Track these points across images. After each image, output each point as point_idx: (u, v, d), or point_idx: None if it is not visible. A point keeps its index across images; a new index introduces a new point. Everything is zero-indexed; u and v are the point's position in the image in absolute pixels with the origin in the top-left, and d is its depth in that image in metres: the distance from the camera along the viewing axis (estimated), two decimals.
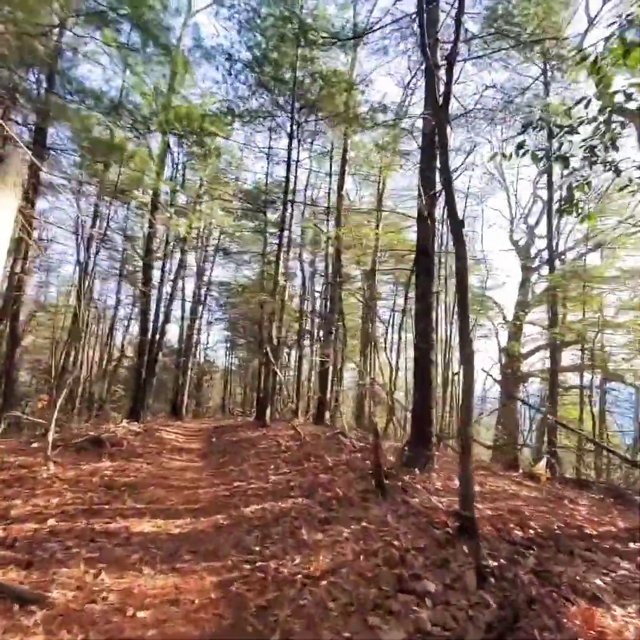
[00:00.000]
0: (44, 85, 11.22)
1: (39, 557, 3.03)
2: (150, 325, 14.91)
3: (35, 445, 7.30)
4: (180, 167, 15.97)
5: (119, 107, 11.93)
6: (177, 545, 3.63)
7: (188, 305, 22.14)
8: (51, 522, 3.76)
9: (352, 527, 3.91)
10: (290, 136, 12.05)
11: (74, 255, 17.66)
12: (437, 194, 6.55)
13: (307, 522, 4.07)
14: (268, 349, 10.00)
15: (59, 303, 22.26)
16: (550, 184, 13.27)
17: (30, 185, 11.26)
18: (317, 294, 21.95)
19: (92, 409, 18.54)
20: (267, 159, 15.41)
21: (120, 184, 14.32)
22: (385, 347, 22.12)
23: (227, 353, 29.53)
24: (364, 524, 3.96)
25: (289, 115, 12.33)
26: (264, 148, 14.35)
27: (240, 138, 17.72)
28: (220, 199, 15.29)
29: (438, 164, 6.85)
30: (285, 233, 12.07)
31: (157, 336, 16.11)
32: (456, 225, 3.47)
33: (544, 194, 19.11)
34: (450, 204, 3.58)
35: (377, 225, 13.99)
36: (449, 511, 4.01)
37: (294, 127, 12.17)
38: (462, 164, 10.97)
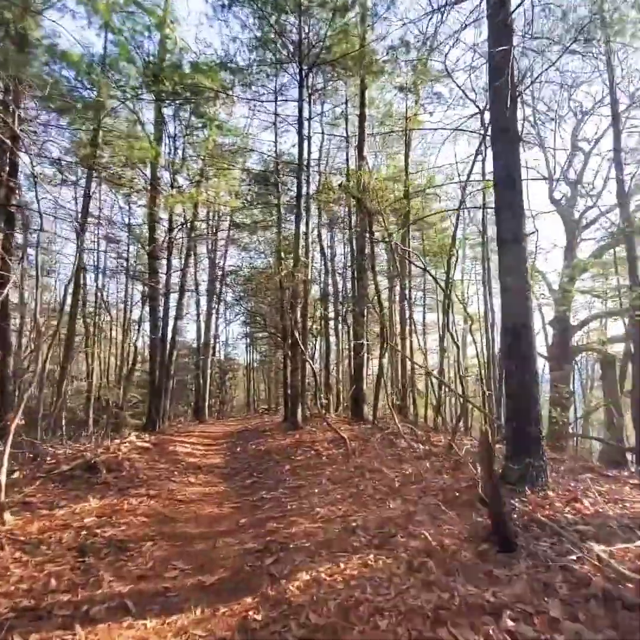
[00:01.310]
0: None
1: None
2: (160, 322, 13.37)
3: (16, 475, 5.77)
4: (179, 144, 14.25)
5: (101, 69, 10.30)
6: None
7: (203, 301, 20.66)
8: None
9: (490, 631, 2.13)
10: (300, 84, 10.16)
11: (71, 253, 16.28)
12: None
13: (406, 619, 2.30)
14: (297, 335, 8.26)
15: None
16: (615, 115, 11.01)
17: (6, 168, 9.72)
18: (338, 277, 20.14)
19: (109, 417, 17.29)
20: (274, 126, 13.55)
21: (113, 166, 12.69)
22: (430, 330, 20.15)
23: (248, 348, 28.07)
24: (509, 623, 2.17)
25: (297, 62, 10.43)
26: (268, 101, 12.36)
27: (244, 109, 15.98)
28: (226, 168, 13.49)
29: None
30: (303, 201, 10.22)
31: (170, 334, 14.61)
32: None
33: (584, 145, 16.85)
34: None
35: (406, 191, 11.97)
36: None
37: (303, 74, 10.26)
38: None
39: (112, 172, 13.49)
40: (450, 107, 11.63)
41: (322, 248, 16.22)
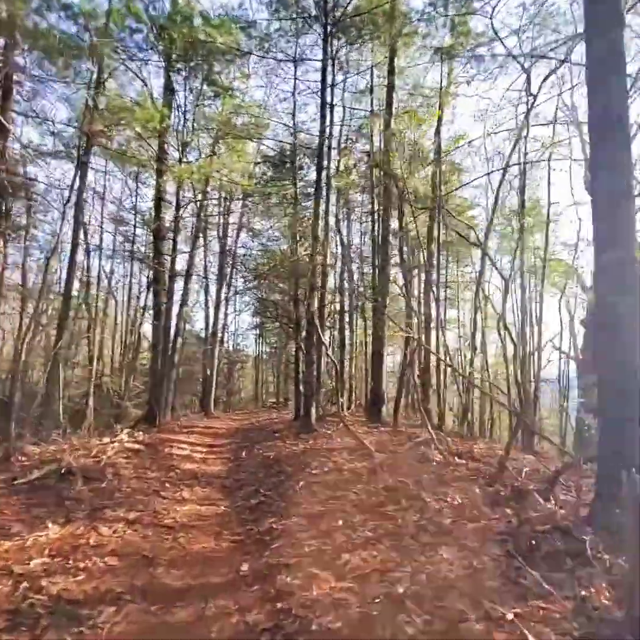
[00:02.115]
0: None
1: None
2: (164, 307, 12.38)
3: None
4: (189, 116, 13.10)
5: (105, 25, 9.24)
6: None
7: (213, 289, 19.65)
8: None
9: None
10: (325, 41, 9.00)
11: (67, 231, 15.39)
12: None
13: None
14: (316, 324, 7.17)
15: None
16: None
17: None
18: (354, 267, 18.96)
19: (112, 406, 16.47)
20: (294, 96, 12.39)
21: (114, 135, 11.63)
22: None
23: (258, 339, 27.14)
24: None
25: (322, 15, 9.23)
26: (287, 60, 11.17)
27: (261, 81, 14.91)
28: (241, 138, 12.37)
29: None
30: (323, 176, 9.09)
31: (174, 321, 13.66)
32: None
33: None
34: None
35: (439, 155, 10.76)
36: None
37: (328, 31, 9.09)
38: None
39: (115, 143, 12.50)
40: (491, 76, 10.22)
41: (339, 234, 15.06)
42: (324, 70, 9.10)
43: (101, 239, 16.51)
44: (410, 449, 6.20)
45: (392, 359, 21.84)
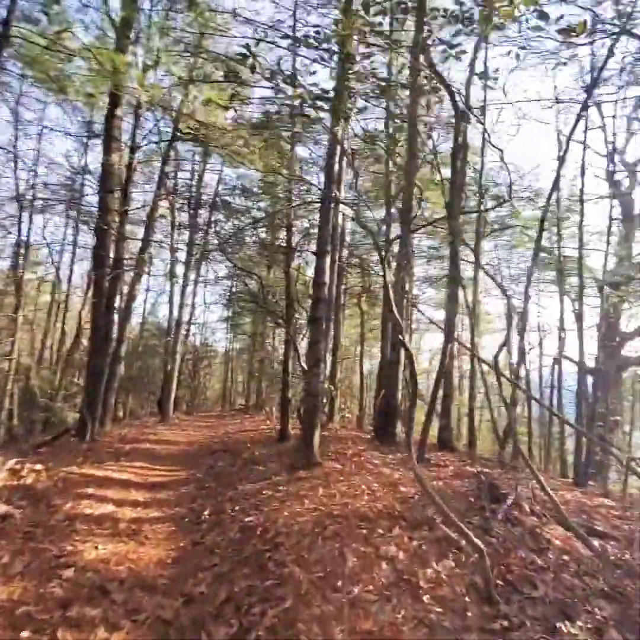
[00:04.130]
0: None
1: None
2: (108, 279, 9.18)
3: None
4: (152, 33, 9.94)
5: None
6: None
7: (180, 269, 16.37)
8: None
9: None
10: None
11: None
12: None
13: None
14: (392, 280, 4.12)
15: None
16: None
17: None
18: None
19: (36, 409, 12.99)
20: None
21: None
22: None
23: (229, 333, 24.06)
24: None
25: None
26: None
27: None
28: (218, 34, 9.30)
29: None
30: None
31: (123, 300, 10.48)
32: None
33: None
34: None
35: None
36: None
37: None
38: None
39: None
40: None
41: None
42: None
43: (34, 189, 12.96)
44: (507, 515, 3.48)
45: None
